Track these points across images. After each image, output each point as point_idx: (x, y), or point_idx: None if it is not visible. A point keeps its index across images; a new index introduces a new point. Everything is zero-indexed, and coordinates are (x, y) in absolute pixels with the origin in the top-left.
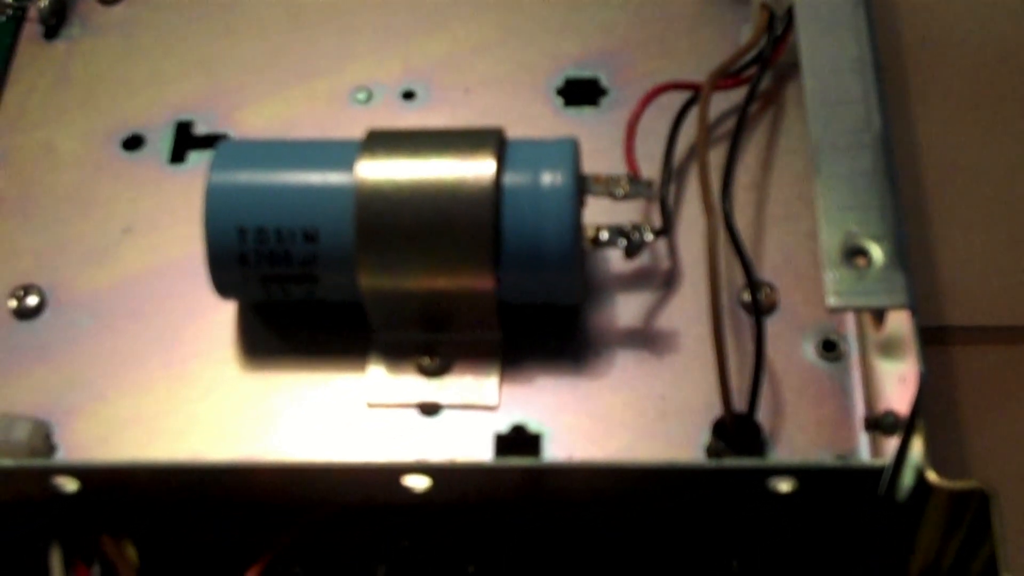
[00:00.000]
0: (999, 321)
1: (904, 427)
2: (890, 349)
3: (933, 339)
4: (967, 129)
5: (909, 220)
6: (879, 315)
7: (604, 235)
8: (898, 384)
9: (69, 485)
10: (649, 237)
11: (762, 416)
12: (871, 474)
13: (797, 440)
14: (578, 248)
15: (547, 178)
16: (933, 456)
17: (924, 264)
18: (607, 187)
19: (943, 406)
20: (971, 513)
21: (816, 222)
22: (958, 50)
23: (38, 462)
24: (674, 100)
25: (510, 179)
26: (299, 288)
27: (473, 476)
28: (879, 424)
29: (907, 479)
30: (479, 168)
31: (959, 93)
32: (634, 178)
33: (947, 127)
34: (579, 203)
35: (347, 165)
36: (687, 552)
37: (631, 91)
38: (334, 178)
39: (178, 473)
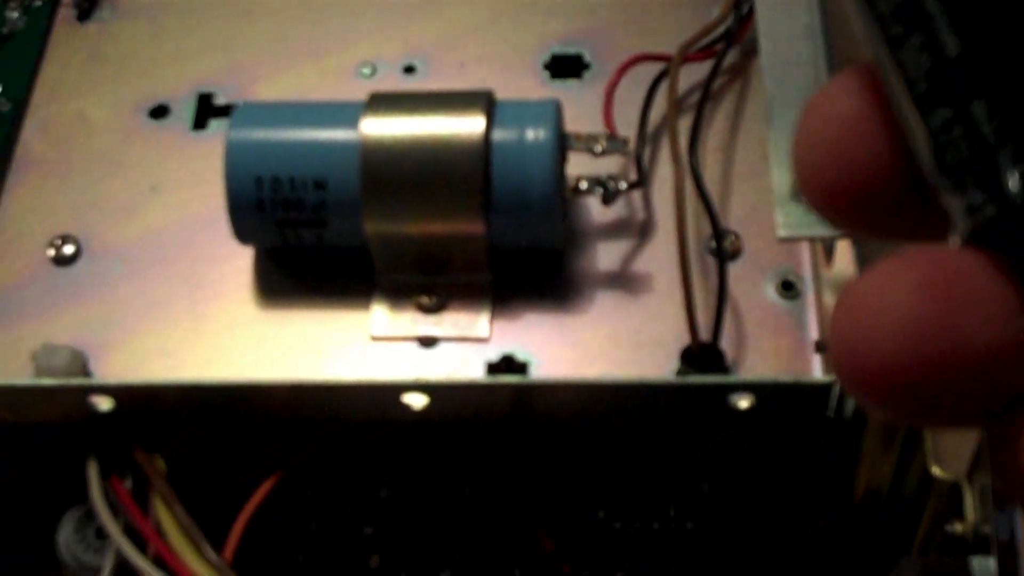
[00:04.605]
0: None
1: None
2: (838, 285)
3: None
4: None
5: None
6: (828, 251)
7: (584, 184)
8: None
9: (104, 404)
10: (623, 186)
11: (726, 347)
12: (821, 389)
13: (757, 367)
14: (560, 196)
15: (531, 133)
16: None
17: None
18: (587, 144)
19: None
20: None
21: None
22: None
23: (76, 381)
24: (650, 73)
25: (498, 135)
26: (310, 232)
27: (467, 393)
28: (827, 346)
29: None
30: (470, 125)
31: None
32: (611, 136)
33: None
34: (561, 157)
35: (353, 122)
36: (662, 476)
37: (612, 65)
38: (341, 134)
39: (201, 390)
